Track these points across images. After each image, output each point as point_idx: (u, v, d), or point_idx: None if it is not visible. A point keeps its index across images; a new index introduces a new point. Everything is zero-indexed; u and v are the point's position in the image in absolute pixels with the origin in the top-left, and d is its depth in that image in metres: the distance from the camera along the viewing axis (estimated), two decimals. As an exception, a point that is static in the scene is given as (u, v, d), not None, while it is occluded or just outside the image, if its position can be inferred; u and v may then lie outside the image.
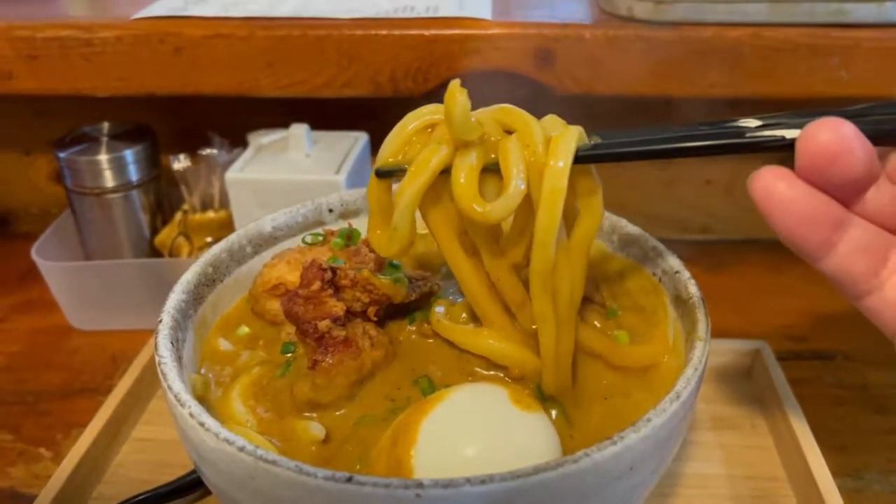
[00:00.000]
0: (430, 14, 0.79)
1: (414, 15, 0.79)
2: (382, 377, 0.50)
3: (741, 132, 0.40)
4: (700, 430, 0.67)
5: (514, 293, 0.49)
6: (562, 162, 0.42)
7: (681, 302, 0.54)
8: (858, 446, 0.68)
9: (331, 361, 0.48)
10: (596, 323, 0.56)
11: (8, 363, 0.80)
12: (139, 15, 0.81)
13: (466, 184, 0.44)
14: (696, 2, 0.76)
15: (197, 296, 0.56)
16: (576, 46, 0.77)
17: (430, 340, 0.54)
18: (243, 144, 0.83)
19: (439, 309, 0.54)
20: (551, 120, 0.45)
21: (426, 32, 0.76)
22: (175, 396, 0.45)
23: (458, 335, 0.52)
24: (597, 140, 0.44)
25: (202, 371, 0.53)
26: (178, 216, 0.84)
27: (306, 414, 0.49)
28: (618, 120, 0.93)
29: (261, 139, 0.81)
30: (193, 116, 0.91)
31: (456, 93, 0.42)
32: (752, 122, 0.40)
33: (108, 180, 0.81)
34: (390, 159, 0.46)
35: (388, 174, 0.46)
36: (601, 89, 0.78)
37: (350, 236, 0.59)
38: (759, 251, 0.96)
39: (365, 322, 0.51)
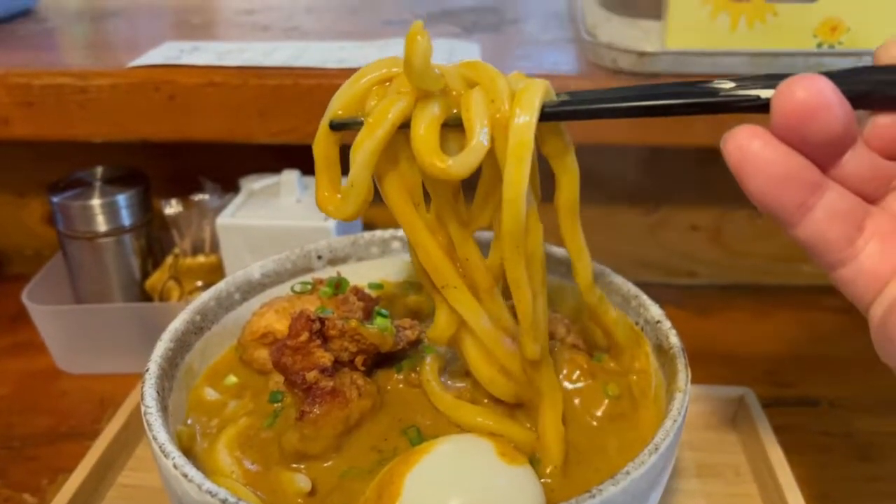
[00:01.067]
0: None
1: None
2: (369, 427, 0.51)
3: (715, 91, 0.39)
4: (684, 477, 0.68)
5: (483, 274, 0.47)
6: (527, 116, 0.40)
7: (662, 352, 0.54)
8: (842, 494, 0.69)
9: (318, 412, 0.48)
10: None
11: (-5, 406, 0.80)
12: (134, 63, 0.82)
13: (426, 136, 0.40)
14: (679, 55, 0.77)
15: (184, 344, 0.56)
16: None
17: (418, 389, 0.53)
18: (235, 189, 0.84)
19: (428, 360, 0.54)
20: (517, 76, 0.43)
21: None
22: (160, 447, 0.45)
23: (444, 406, 0.51)
24: (565, 98, 0.42)
25: (189, 422, 0.53)
26: (169, 260, 0.84)
27: (293, 465, 0.49)
28: (606, 166, 0.95)
29: (252, 184, 0.82)
30: (186, 162, 0.91)
31: (416, 35, 0.38)
32: (727, 84, 0.39)
33: (101, 224, 0.82)
34: (340, 111, 0.43)
35: (343, 126, 0.43)
36: (591, 137, 0.77)
37: (339, 285, 0.59)
38: (744, 296, 0.97)
39: (353, 371, 0.51)
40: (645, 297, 0.59)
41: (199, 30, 1.00)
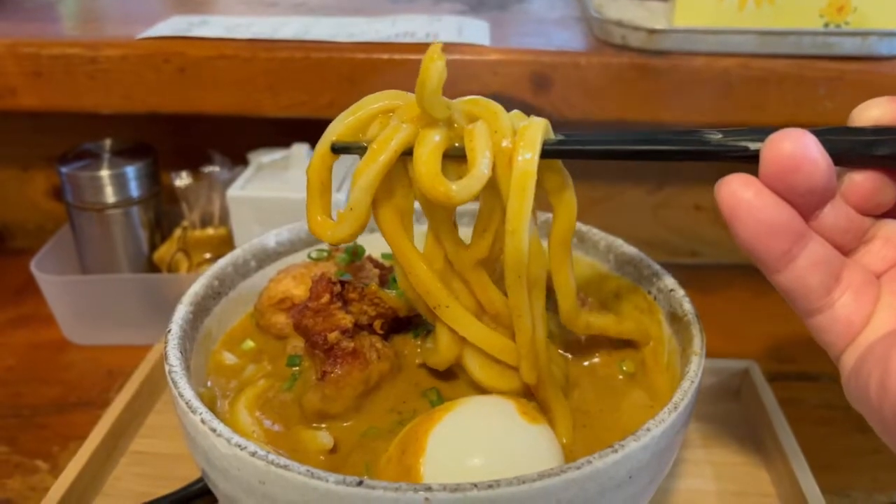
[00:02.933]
0: (430, 40, 0.79)
1: (414, 40, 0.80)
2: (388, 390, 0.51)
3: (706, 142, 0.41)
4: (691, 447, 0.69)
5: (485, 290, 0.48)
6: (530, 152, 0.42)
7: (675, 319, 0.55)
8: (844, 465, 0.70)
9: (339, 372, 0.49)
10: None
11: (3, 377, 0.80)
12: (144, 34, 0.82)
13: (428, 161, 0.42)
14: (687, 32, 0.78)
15: (203, 308, 0.56)
16: (571, 73, 0.78)
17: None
18: (244, 163, 0.83)
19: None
20: (517, 115, 0.45)
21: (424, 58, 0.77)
22: (186, 403, 0.46)
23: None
24: (560, 138, 0.44)
25: (209, 384, 0.54)
26: (178, 232, 0.84)
27: (314, 425, 0.49)
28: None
29: (261, 158, 0.82)
30: (195, 135, 0.91)
31: (434, 56, 0.40)
32: (715, 135, 0.41)
33: (109, 196, 0.82)
34: (336, 137, 0.45)
35: (345, 150, 0.44)
36: (596, 115, 0.80)
37: (355, 252, 0.60)
38: (746, 275, 0.93)
39: (371, 335, 0.52)
40: (658, 267, 0.59)
41: (205, 5, 1.00)
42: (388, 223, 0.46)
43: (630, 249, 0.61)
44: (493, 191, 0.43)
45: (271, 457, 0.41)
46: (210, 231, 0.84)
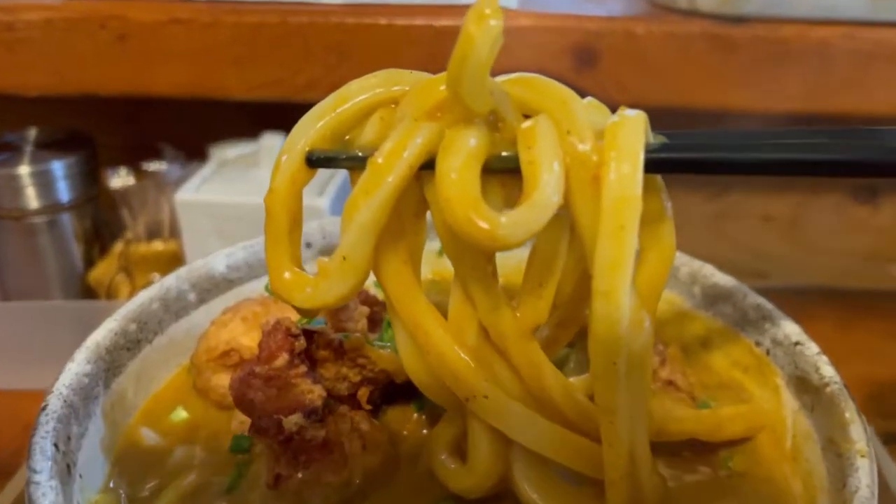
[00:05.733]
0: (441, 1, 0.70)
1: (420, 1, 0.71)
2: (381, 499, 0.39)
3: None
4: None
5: (540, 374, 0.35)
6: (629, 165, 0.30)
7: (807, 387, 0.42)
8: None
9: (302, 477, 0.37)
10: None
11: None
12: (73, -8, 0.73)
13: (461, 179, 0.30)
14: (776, -8, 0.68)
15: (110, 366, 0.44)
16: (625, 45, 0.68)
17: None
18: (203, 158, 0.77)
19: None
20: (593, 104, 0.34)
21: (435, 23, 0.68)
22: None
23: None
24: (662, 140, 0.33)
25: (111, 485, 0.42)
26: (119, 247, 0.78)
27: (260, 561, 0.37)
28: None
29: (225, 152, 0.75)
30: (142, 123, 0.85)
31: (486, 13, 0.28)
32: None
33: (32, 200, 0.74)
34: (312, 143, 0.34)
35: (326, 162, 0.34)
36: (653, 99, 0.69)
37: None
38: (824, 302, 0.85)
39: (354, 411, 0.41)
40: (770, 306, 0.46)
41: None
42: (395, 277, 0.35)
43: (725, 279, 0.50)
44: (559, 223, 0.32)
45: None
46: (158, 245, 0.76)
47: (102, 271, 0.76)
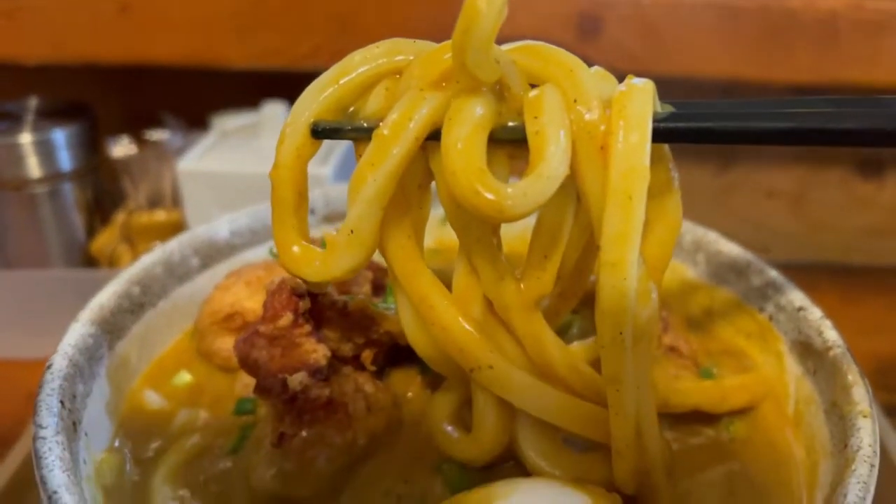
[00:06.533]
0: None
1: None
2: (383, 460, 0.39)
3: None
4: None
5: (542, 347, 0.35)
6: (637, 134, 0.29)
7: (810, 353, 0.42)
8: None
9: (307, 436, 0.37)
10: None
11: None
12: (75, -39, 0.73)
13: (467, 149, 0.30)
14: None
15: (114, 328, 0.44)
16: (630, 12, 0.67)
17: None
18: (204, 128, 0.76)
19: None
20: (600, 73, 0.33)
21: (439, -10, 0.68)
22: (49, 497, 0.31)
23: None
24: (670, 109, 0.32)
25: (116, 444, 0.41)
26: (120, 217, 0.76)
27: (267, 516, 0.38)
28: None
29: (226, 122, 0.74)
30: (143, 92, 0.84)
31: None
32: None
33: (33, 169, 0.72)
34: (317, 114, 0.33)
35: (332, 133, 0.34)
36: (659, 68, 0.68)
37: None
38: (828, 277, 0.84)
39: (358, 373, 0.41)
40: (774, 273, 0.45)
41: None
42: (399, 251, 0.34)
43: (730, 248, 0.49)
44: (566, 194, 0.31)
45: None
46: (160, 215, 0.75)
47: (104, 241, 0.75)
